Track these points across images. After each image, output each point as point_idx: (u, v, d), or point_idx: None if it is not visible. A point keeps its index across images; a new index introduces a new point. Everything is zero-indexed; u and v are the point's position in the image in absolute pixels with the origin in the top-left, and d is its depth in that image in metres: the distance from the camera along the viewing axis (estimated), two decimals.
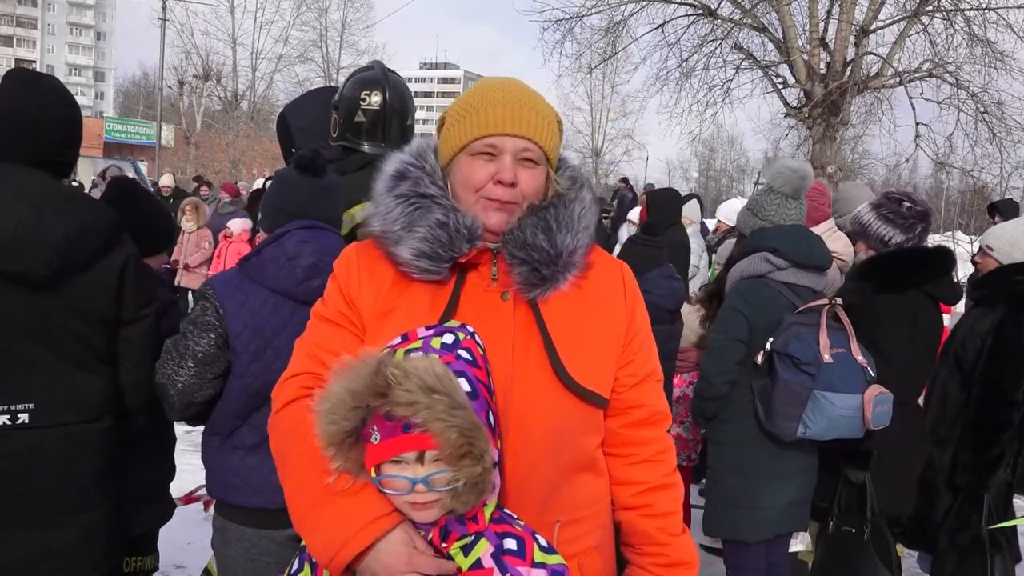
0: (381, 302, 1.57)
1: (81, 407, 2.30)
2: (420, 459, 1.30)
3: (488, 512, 1.37)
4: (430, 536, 1.37)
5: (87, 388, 2.31)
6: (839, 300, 3.14)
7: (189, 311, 2.46)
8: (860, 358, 3.04)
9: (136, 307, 2.37)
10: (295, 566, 1.51)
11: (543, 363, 1.54)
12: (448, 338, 1.41)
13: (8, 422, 2.22)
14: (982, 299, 3.66)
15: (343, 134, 2.93)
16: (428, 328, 1.45)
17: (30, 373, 2.24)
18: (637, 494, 1.68)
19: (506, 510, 1.45)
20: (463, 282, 1.58)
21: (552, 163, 1.62)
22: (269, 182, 2.62)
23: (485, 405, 1.36)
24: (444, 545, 1.36)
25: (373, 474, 1.34)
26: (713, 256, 7.30)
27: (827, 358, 2.99)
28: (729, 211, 7.19)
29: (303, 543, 1.48)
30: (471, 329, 1.47)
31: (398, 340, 1.44)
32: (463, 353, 1.39)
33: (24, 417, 2.23)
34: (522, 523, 1.44)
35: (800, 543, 3.43)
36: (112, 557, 2.42)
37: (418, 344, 1.40)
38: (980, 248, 3.88)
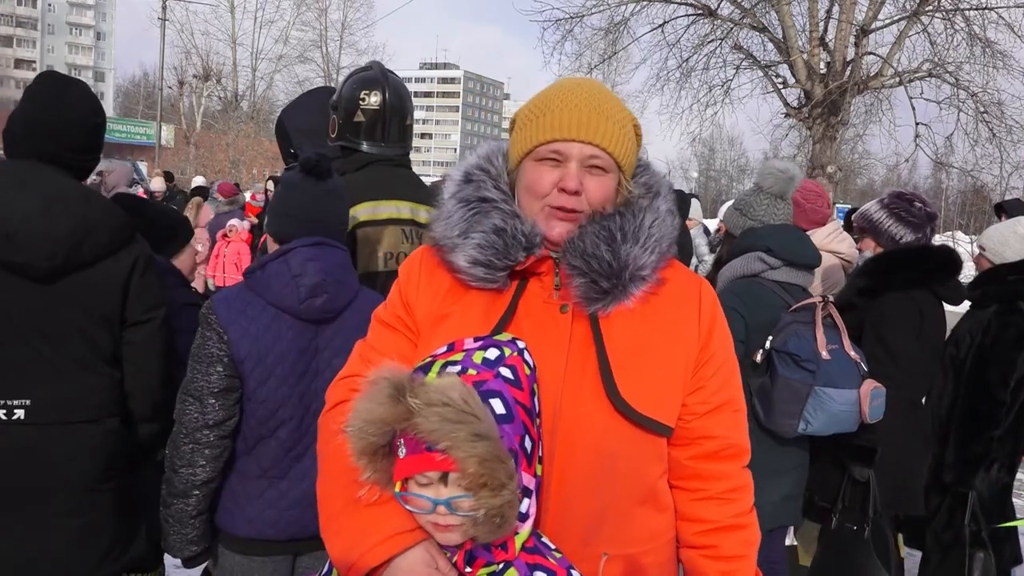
0: (436, 307, 1.53)
1: (80, 406, 2.28)
2: (444, 480, 1.25)
3: (519, 541, 1.30)
4: (455, 559, 1.31)
5: (87, 387, 2.29)
6: (830, 298, 3.15)
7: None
8: (852, 353, 3.05)
9: (142, 309, 2.36)
10: (324, 569, 1.48)
11: (596, 384, 1.44)
12: (492, 353, 1.34)
13: (4, 416, 2.21)
14: (977, 299, 3.70)
15: (342, 134, 2.93)
16: (476, 340, 1.38)
17: (29, 369, 2.23)
18: (701, 533, 1.55)
19: (544, 539, 1.37)
20: (523, 291, 1.50)
21: (625, 170, 1.52)
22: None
23: (521, 429, 1.28)
24: (468, 570, 1.29)
25: (397, 488, 1.29)
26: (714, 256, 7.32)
27: (825, 354, 3.00)
28: None
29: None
30: (521, 345, 1.39)
31: (443, 349, 1.38)
32: (504, 371, 1.31)
33: (20, 413, 2.22)
34: (559, 555, 1.35)
35: (790, 538, 3.45)
36: (111, 564, 2.37)
37: (460, 356, 1.34)
38: (970, 251, 3.93)
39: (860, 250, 3.72)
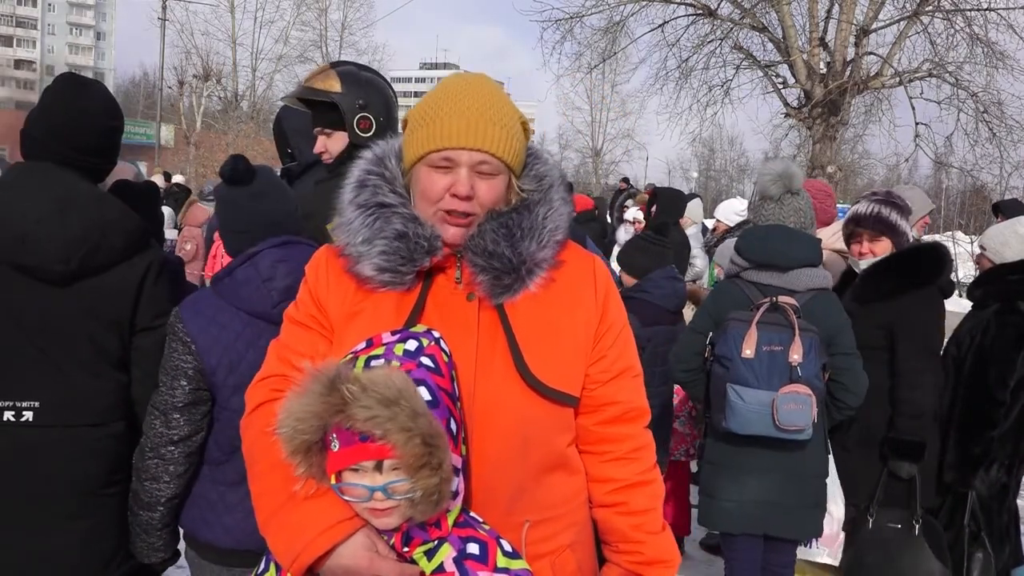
0: (348, 304, 1.58)
1: (86, 410, 2.28)
2: (379, 467, 1.31)
3: (451, 517, 1.37)
4: (392, 541, 1.37)
5: (94, 391, 2.29)
6: (790, 300, 3.17)
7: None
8: (795, 357, 3.04)
9: (152, 315, 2.34)
10: (261, 567, 1.51)
11: (507, 364, 1.53)
12: (411, 344, 1.41)
13: (12, 418, 2.21)
14: (978, 299, 3.70)
15: (384, 133, 2.88)
16: (393, 333, 1.45)
17: (38, 371, 2.23)
18: (612, 491, 1.66)
19: (472, 514, 1.45)
20: (430, 284, 1.57)
21: (515, 169, 1.59)
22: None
23: (446, 413, 1.36)
24: (406, 550, 1.36)
25: (333, 481, 1.35)
26: (712, 257, 7.28)
27: (747, 353, 3.06)
28: (727, 211, 7.16)
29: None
30: (437, 335, 1.46)
31: (362, 345, 1.44)
32: (425, 360, 1.39)
33: (28, 415, 2.22)
34: (487, 527, 1.43)
35: (827, 556, 3.38)
36: (114, 569, 2.36)
37: (381, 351, 1.40)
38: (969, 251, 3.98)
39: (873, 253, 3.56)
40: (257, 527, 2.17)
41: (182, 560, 2.38)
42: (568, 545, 1.62)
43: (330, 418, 1.29)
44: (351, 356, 1.41)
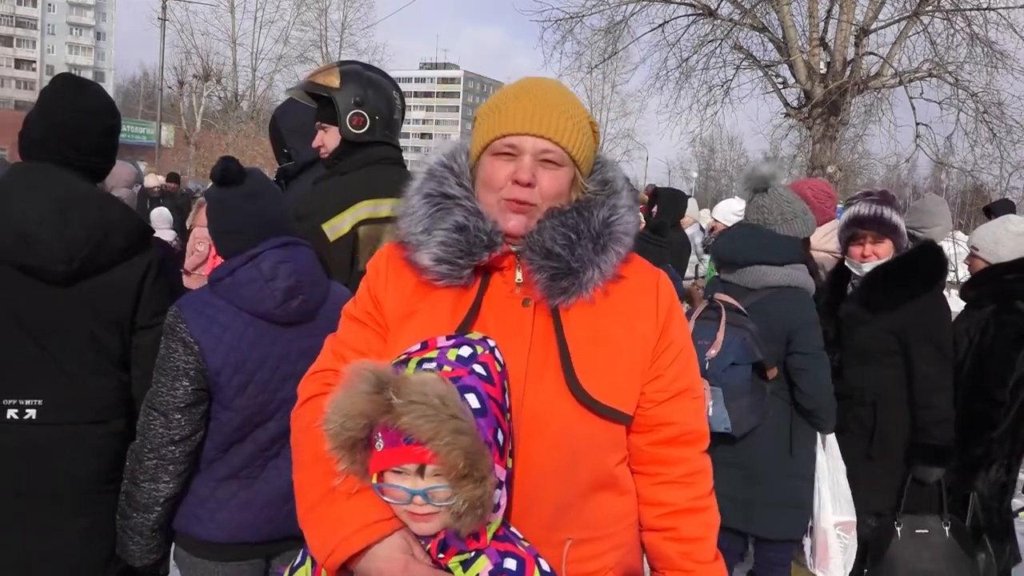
0: (404, 304, 1.57)
1: (88, 407, 2.30)
2: (420, 472, 1.29)
3: (491, 530, 1.34)
4: (428, 547, 1.35)
5: (96, 389, 2.31)
6: (725, 297, 3.21)
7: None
8: (711, 352, 3.10)
9: (151, 314, 2.36)
10: (297, 560, 1.50)
11: (558, 376, 1.48)
12: (465, 351, 1.38)
13: (16, 416, 2.23)
14: (973, 300, 3.69)
15: (380, 131, 2.89)
16: (448, 338, 1.43)
17: (41, 369, 2.25)
18: (662, 516, 1.60)
19: (512, 529, 1.42)
20: (487, 286, 1.55)
21: (581, 166, 1.56)
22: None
23: (494, 423, 1.32)
24: (442, 557, 1.34)
25: (374, 480, 1.33)
26: (709, 256, 7.32)
27: None
28: (725, 211, 7.18)
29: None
30: (492, 343, 1.43)
31: (416, 347, 1.42)
32: (478, 368, 1.35)
33: (32, 413, 2.24)
34: (526, 544, 1.40)
35: (816, 567, 3.29)
36: (115, 566, 2.36)
37: (434, 354, 1.38)
38: (969, 251, 3.92)
39: (876, 255, 3.50)
40: (251, 518, 2.21)
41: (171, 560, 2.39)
42: (612, 568, 1.57)
43: (377, 417, 1.28)
44: (404, 356, 1.40)
